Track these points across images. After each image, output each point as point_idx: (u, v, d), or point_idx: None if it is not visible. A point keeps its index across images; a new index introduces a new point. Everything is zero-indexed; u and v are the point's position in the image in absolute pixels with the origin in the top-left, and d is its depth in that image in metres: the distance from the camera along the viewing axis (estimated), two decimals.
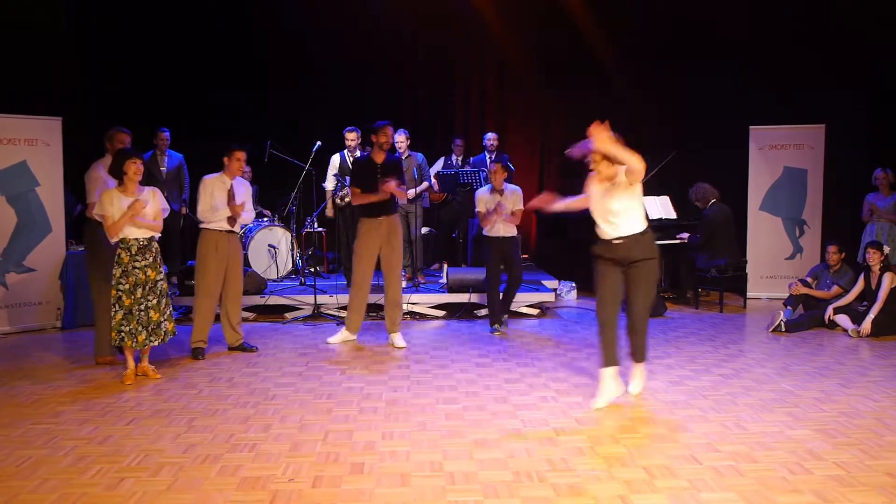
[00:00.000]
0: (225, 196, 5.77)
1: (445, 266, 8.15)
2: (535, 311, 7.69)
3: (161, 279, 5.20)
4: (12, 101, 7.29)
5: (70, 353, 6.18)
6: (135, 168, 5.08)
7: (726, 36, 9.21)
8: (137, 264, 5.06)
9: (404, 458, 3.73)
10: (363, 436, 4.05)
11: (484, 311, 7.47)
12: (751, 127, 8.86)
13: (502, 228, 6.81)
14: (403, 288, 7.83)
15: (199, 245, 5.88)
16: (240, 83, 9.73)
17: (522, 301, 7.57)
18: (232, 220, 5.81)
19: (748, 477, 3.49)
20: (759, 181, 8.74)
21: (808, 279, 7.37)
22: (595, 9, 9.70)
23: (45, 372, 5.53)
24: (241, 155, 5.86)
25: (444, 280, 7.93)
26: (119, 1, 9.28)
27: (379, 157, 6.24)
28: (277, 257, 8.47)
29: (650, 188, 8.51)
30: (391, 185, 6.01)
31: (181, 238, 8.89)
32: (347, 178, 7.56)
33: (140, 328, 5.06)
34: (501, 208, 6.71)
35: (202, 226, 5.87)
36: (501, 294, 7.02)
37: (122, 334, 5.04)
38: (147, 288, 5.09)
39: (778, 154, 8.87)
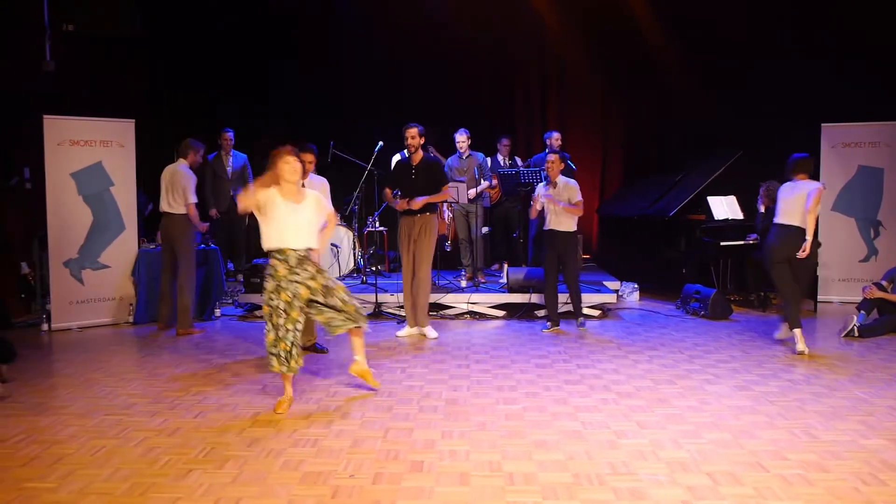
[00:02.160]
0: None
1: (506, 266, 8.13)
2: (596, 313, 7.60)
3: (329, 280, 4.60)
4: (90, 104, 7.58)
5: (141, 346, 6.40)
6: (289, 168, 4.40)
7: (799, 32, 8.92)
8: (297, 278, 4.45)
9: (464, 458, 3.74)
10: (423, 434, 4.08)
11: (544, 312, 7.42)
12: (823, 124, 8.54)
13: (554, 221, 6.73)
14: (464, 287, 7.92)
15: None
16: (302, 85, 9.89)
17: (583, 301, 7.46)
18: None
19: (818, 486, 3.38)
20: (832, 181, 8.42)
21: (884, 282, 7.07)
22: (660, 5, 9.53)
23: (117, 365, 5.75)
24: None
25: (504, 280, 7.91)
26: (187, 8, 9.55)
27: (414, 159, 6.36)
28: (340, 256, 8.59)
29: (716, 188, 8.33)
30: (417, 201, 6.30)
31: (246, 236, 9.10)
32: None
33: (290, 353, 4.45)
34: (542, 197, 6.67)
35: None
36: (563, 294, 6.96)
37: (273, 357, 4.47)
38: (319, 296, 4.52)
39: (852, 152, 8.54)
